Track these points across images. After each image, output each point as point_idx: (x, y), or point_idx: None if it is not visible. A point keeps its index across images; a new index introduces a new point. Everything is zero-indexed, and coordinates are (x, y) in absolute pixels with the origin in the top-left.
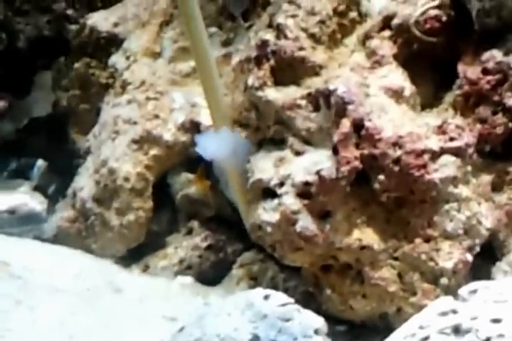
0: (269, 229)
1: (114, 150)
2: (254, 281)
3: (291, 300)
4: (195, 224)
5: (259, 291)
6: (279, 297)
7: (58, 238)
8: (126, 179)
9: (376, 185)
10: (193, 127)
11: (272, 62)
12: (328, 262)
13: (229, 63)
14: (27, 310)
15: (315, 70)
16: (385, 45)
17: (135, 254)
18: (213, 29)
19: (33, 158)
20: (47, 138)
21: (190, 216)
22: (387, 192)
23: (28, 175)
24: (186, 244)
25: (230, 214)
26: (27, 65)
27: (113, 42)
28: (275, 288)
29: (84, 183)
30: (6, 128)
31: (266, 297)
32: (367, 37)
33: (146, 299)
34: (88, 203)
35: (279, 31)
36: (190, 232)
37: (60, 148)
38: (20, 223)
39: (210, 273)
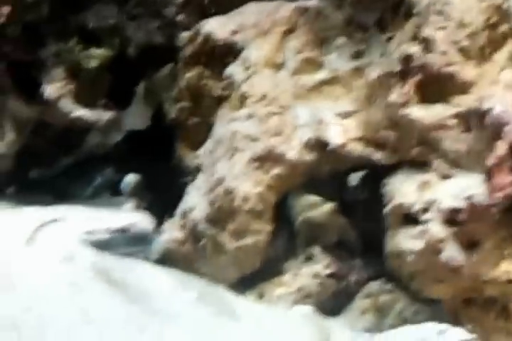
0: (410, 257)
1: (232, 168)
2: (381, 314)
3: (471, 335)
4: (316, 249)
5: (432, 325)
6: (457, 332)
7: (165, 260)
8: (245, 199)
9: None
10: (320, 145)
11: (418, 77)
12: (471, 295)
13: (361, 76)
14: (152, 337)
15: (464, 87)
16: None
17: (248, 281)
18: (341, 40)
19: (124, 173)
20: (147, 152)
21: (310, 241)
22: None
23: (117, 191)
24: (306, 271)
25: (354, 240)
26: (134, 73)
27: (230, 51)
28: (404, 322)
29: (196, 203)
30: (103, 141)
31: (440, 332)
32: None
33: (265, 328)
34: (200, 224)
35: (426, 44)
36: (310, 258)
37: (161, 163)
38: (131, 243)
39: (331, 303)
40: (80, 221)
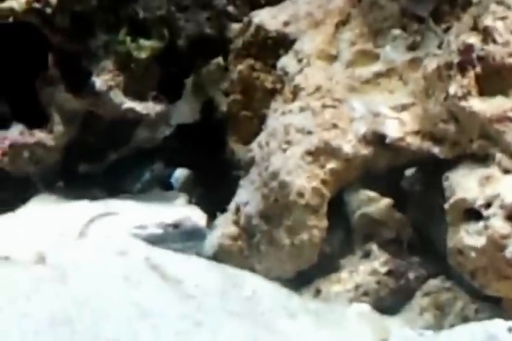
0: (472, 254)
1: (286, 162)
2: (441, 312)
3: None
4: (373, 246)
5: (501, 322)
6: None
7: (218, 256)
8: (300, 194)
9: None
10: (376, 139)
11: (478, 69)
12: None
13: (417, 69)
14: (209, 333)
15: None
16: None
17: (303, 277)
18: (396, 31)
19: (173, 168)
20: (197, 146)
21: (367, 237)
22: None
23: (167, 186)
24: (363, 269)
25: (413, 236)
26: (185, 65)
27: (282, 43)
28: (465, 320)
29: (250, 198)
30: (152, 135)
31: (510, 329)
32: None
33: (322, 326)
34: (254, 220)
35: (487, 35)
36: (367, 255)
37: (211, 157)
38: (184, 238)
39: (389, 301)
40: (131, 215)
